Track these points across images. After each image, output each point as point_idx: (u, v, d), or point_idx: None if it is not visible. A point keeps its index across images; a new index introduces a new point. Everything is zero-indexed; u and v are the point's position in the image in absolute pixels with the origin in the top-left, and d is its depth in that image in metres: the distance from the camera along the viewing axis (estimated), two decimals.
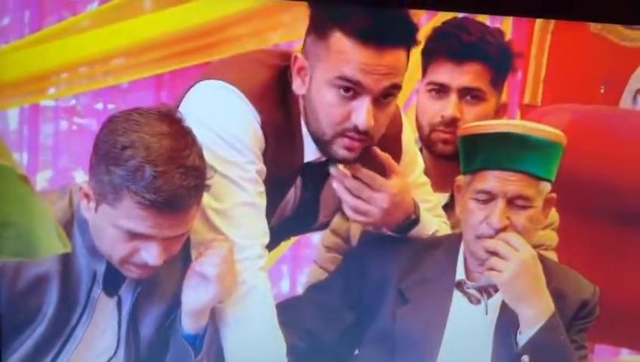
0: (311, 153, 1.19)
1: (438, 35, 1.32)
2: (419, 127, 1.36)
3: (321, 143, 1.16)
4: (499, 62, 1.33)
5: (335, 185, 1.19)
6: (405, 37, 1.12)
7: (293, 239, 1.45)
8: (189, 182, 1.02)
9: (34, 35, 1.23)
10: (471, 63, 1.30)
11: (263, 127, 1.14)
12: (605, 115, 1.46)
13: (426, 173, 1.31)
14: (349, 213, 1.20)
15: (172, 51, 1.23)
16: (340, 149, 1.14)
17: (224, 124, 1.12)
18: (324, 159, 1.19)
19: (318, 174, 1.22)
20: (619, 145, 1.40)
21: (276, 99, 1.16)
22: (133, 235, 1.04)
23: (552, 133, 1.18)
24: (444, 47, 1.29)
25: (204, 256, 1.11)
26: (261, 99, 1.14)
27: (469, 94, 1.32)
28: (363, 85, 1.09)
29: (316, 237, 1.36)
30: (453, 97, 1.31)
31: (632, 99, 1.50)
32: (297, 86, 1.15)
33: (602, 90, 1.46)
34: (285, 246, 1.33)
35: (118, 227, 1.03)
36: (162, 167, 1.01)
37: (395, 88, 1.14)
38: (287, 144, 1.18)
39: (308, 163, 1.20)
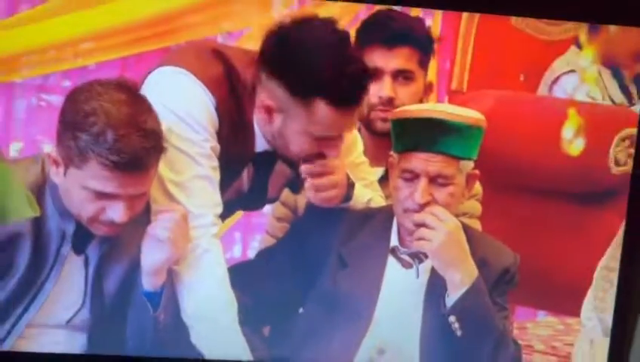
0: (261, 145, 1.31)
1: (369, 25, 1.43)
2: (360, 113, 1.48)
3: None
4: (423, 45, 1.45)
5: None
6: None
7: None
8: (147, 144, 1.14)
9: (6, 19, 1.32)
10: (401, 48, 1.42)
11: (217, 110, 1.25)
12: (524, 101, 1.57)
13: (366, 149, 1.42)
14: (311, 194, 1.32)
15: (135, 37, 1.33)
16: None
17: (182, 104, 1.23)
18: (272, 150, 1.32)
19: (267, 161, 1.34)
20: (535, 127, 1.52)
21: (228, 90, 1.27)
22: (100, 195, 1.15)
23: (472, 117, 1.30)
24: (377, 35, 1.40)
25: (157, 221, 1.23)
26: (215, 86, 1.25)
27: (401, 75, 1.43)
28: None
29: (267, 208, 1.47)
30: (387, 79, 1.42)
31: (548, 88, 1.61)
32: (262, 121, 1.27)
33: (522, 79, 1.56)
34: (239, 214, 1.45)
35: (85, 188, 1.15)
36: (122, 131, 1.12)
37: None
38: (240, 132, 1.29)
39: (258, 152, 1.32)
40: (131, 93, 1.18)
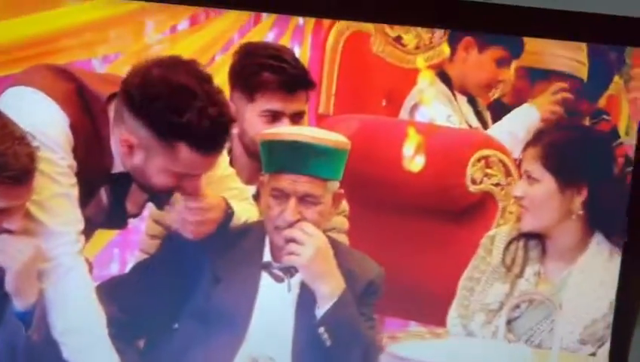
0: (118, 167, 1.36)
1: (263, 67, 1.50)
2: (246, 139, 1.53)
3: None
4: (311, 86, 1.56)
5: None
6: None
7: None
8: (27, 149, 1.20)
9: None
10: (299, 92, 1.52)
11: (71, 128, 1.30)
12: (386, 124, 1.72)
13: (241, 168, 1.51)
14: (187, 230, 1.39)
15: (9, 58, 1.40)
16: None
17: (36, 123, 1.27)
18: (125, 171, 1.37)
19: (124, 181, 1.39)
20: (396, 148, 1.65)
21: (80, 107, 1.32)
22: None
23: (337, 140, 1.41)
24: (276, 80, 1.49)
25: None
26: (67, 104, 1.30)
27: (298, 116, 1.53)
28: None
29: (143, 225, 1.55)
30: (286, 121, 1.51)
31: (408, 112, 1.79)
32: (123, 155, 1.31)
33: (384, 104, 1.73)
34: (116, 232, 1.53)
35: None
36: (3, 146, 1.17)
37: None
38: (95, 151, 1.34)
39: (114, 173, 1.37)
40: None
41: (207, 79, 1.32)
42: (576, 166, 1.56)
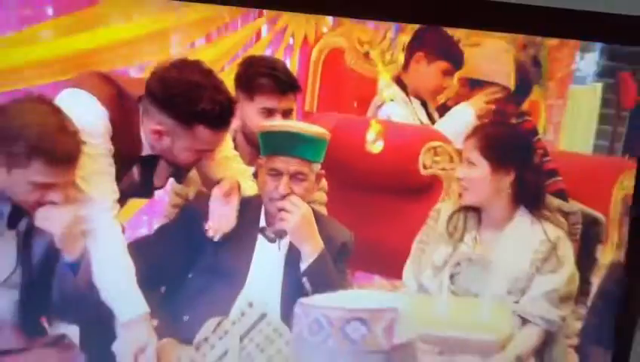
0: (146, 151, 1.68)
1: (260, 75, 1.85)
2: (247, 130, 1.89)
3: None
4: (298, 89, 1.92)
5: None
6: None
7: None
8: (75, 139, 1.49)
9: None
10: (289, 93, 1.87)
11: (110, 121, 1.61)
12: (357, 121, 2.09)
13: (243, 153, 1.84)
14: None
15: (64, 67, 1.73)
16: None
17: (84, 117, 1.56)
18: (153, 154, 1.68)
19: (151, 161, 1.71)
20: (364, 139, 2.01)
21: (118, 104, 1.62)
22: (43, 185, 1.49)
23: (318, 132, 1.75)
24: (270, 84, 1.83)
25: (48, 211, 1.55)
26: (107, 102, 1.60)
27: (287, 112, 1.88)
28: None
29: (167, 197, 1.89)
30: (278, 116, 1.86)
31: (374, 112, 2.17)
32: (153, 141, 1.63)
33: (355, 105, 2.12)
34: (144, 201, 1.86)
35: (31, 182, 1.48)
36: (57, 136, 1.46)
37: None
38: (129, 137, 1.65)
39: (143, 156, 1.69)
40: (52, 105, 1.53)
41: (211, 73, 1.64)
42: (506, 154, 1.83)
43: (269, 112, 1.86)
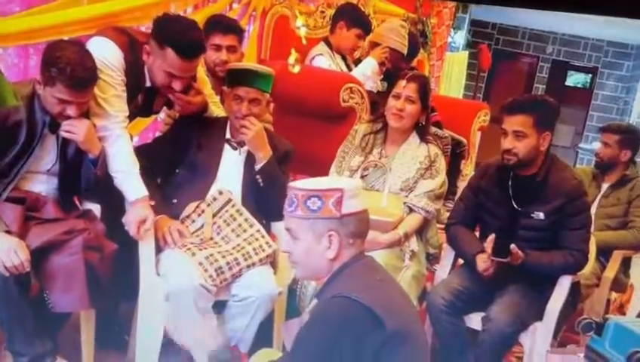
0: (149, 82, 2.27)
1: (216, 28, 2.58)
2: (209, 67, 2.59)
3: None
4: (241, 31, 2.63)
5: None
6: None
7: (153, 116, 2.65)
8: (90, 74, 2.07)
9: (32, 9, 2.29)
10: (231, 33, 2.57)
11: (125, 60, 2.20)
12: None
13: (212, 86, 2.52)
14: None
15: (94, 24, 2.31)
16: None
17: (106, 56, 2.16)
18: (151, 85, 2.28)
19: (152, 91, 2.32)
20: (301, 79, 2.76)
21: (130, 48, 2.21)
22: (62, 101, 2.06)
23: (269, 70, 2.40)
24: (221, 30, 2.56)
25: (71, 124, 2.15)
26: (123, 47, 2.19)
27: (232, 48, 2.58)
28: None
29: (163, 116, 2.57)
30: (224, 51, 2.55)
31: (309, 62, 2.99)
32: (145, 59, 2.23)
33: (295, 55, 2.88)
34: (150, 120, 2.47)
35: (54, 97, 2.05)
36: (76, 66, 2.02)
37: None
38: (137, 73, 2.24)
39: (147, 86, 2.30)
40: (82, 47, 2.13)
41: (195, 22, 2.25)
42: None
43: (217, 47, 2.56)
